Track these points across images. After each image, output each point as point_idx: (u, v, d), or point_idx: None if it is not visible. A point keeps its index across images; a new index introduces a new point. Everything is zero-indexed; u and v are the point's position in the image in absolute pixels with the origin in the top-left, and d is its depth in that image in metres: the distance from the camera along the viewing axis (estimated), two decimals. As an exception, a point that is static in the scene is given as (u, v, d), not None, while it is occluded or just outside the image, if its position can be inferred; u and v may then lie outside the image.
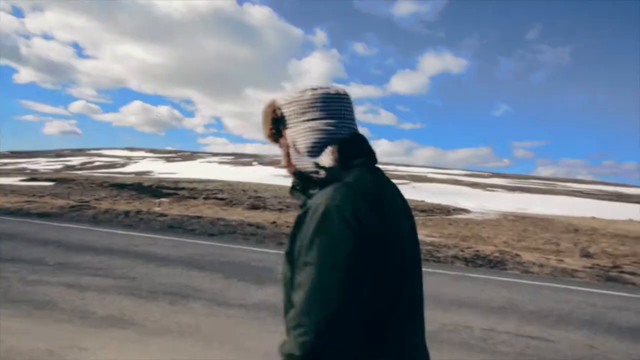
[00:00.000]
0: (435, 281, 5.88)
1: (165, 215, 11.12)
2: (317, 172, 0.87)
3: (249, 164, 62.17)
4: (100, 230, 9.03)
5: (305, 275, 0.72)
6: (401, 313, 0.80)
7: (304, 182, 0.91)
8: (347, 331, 0.70)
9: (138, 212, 11.49)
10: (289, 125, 0.91)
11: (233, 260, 6.54)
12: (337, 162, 0.85)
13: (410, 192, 29.64)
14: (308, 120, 0.89)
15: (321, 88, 0.92)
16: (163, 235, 8.68)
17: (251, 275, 5.49)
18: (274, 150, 0.98)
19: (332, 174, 0.84)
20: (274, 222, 11.12)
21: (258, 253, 7.34)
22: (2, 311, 3.69)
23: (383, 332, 0.77)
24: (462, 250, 8.76)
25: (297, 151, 0.90)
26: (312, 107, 0.89)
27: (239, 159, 79.50)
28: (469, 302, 4.88)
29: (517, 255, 8.39)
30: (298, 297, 0.72)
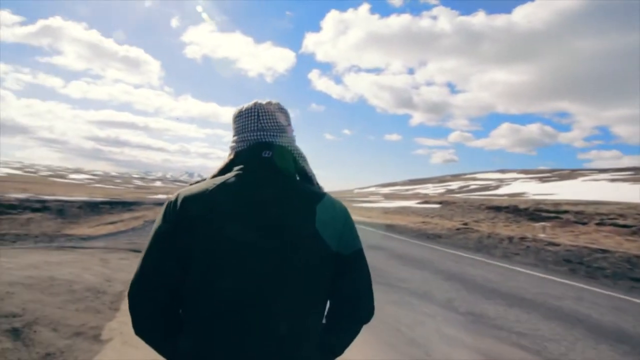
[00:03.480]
0: None
1: (556, 245, 9.84)
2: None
3: (659, 179, 46.78)
4: (497, 263, 8.40)
5: None
6: (207, 306, 0.85)
7: None
8: (145, 290, 0.88)
9: (522, 238, 10.85)
10: None
11: None
12: (218, 171, 1.00)
13: None
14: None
15: (239, 108, 1.04)
16: (568, 279, 6.95)
17: None
18: None
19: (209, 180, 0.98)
20: None
21: None
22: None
23: (188, 312, 0.89)
24: None
25: None
26: (232, 129, 1.06)
27: (641, 173, 61.68)
28: None
29: None
30: None
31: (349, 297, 0.97)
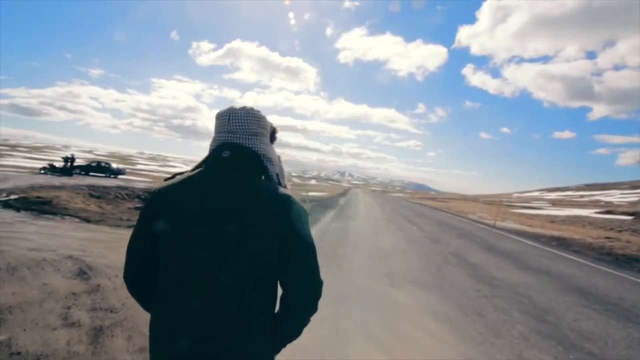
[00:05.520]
0: None
1: None
2: None
3: None
4: None
5: None
6: (171, 276, 1.02)
7: None
8: (131, 269, 1.12)
9: None
10: None
11: None
12: (195, 166, 1.14)
13: None
14: None
15: (220, 111, 1.18)
16: None
17: None
18: None
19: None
20: None
21: None
22: None
23: (158, 283, 1.06)
24: None
25: None
26: None
27: None
28: None
29: None
30: None
31: (291, 290, 1.05)
